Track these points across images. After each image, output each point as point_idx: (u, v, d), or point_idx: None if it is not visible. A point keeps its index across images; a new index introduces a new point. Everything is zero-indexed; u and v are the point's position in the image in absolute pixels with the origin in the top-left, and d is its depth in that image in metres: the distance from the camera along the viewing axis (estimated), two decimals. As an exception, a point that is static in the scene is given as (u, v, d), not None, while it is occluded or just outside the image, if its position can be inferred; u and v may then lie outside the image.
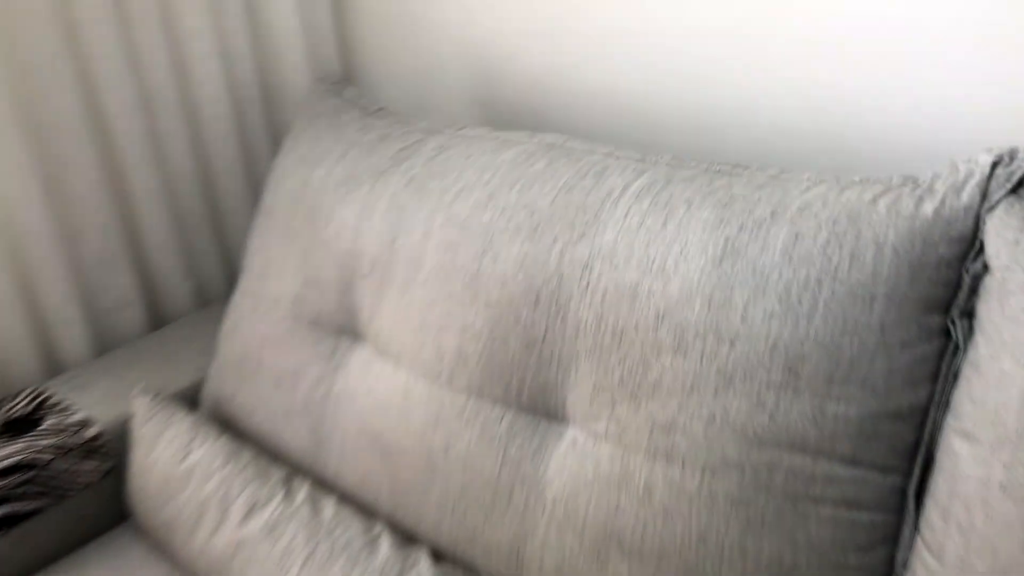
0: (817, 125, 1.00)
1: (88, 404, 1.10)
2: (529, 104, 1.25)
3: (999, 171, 0.71)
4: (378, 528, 0.92)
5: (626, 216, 0.82)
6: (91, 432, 1.05)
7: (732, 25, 1.01)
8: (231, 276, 1.38)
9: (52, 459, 1.01)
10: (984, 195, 0.71)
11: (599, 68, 1.15)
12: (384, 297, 0.96)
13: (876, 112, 0.95)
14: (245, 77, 1.32)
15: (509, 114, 1.29)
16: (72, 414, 1.07)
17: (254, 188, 1.37)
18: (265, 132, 1.36)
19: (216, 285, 1.36)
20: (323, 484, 0.99)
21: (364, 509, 0.96)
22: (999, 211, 0.70)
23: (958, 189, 0.72)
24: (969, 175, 0.72)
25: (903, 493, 0.73)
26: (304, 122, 1.12)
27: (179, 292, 1.31)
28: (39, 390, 1.12)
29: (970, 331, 0.71)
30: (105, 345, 1.25)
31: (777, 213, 0.76)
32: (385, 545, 0.89)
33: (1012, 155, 0.72)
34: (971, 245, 0.71)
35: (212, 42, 1.25)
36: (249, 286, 1.09)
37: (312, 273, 1.02)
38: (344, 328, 1.01)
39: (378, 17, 1.37)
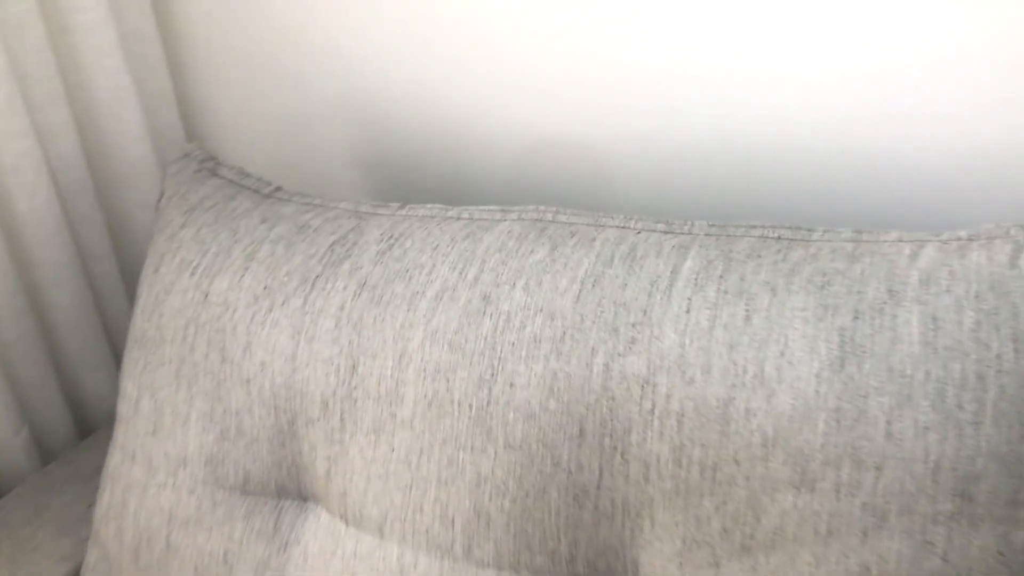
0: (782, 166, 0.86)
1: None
2: (426, 161, 1.04)
3: None
4: None
5: (688, 311, 0.63)
6: None
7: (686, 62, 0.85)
8: (79, 416, 1.07)
9: None
10: None
11: (527, 109, 0.96)
12: (349, 446, 0.71)
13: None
14: (69, 157, 1.02)
15: (399, 176, 1.07)
16: None
17: (96, 300, 1.07)
18: (102, 226, 1.06)
19: (60, 431, 1.04)
20: None
21: None
22: None
23: (1113, 240, 0.59)
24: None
25: (1105, 626, 0.59)
26: (176, 215, 0.85)
27: (10, 448, 0.99)
28: None
29: None
30: (-84, 543, 0.91)
31: (896, 292, 0.60)
32: None
33: None
34: None
35: (18, 118, 0.95)
36: (135, 445, 0.80)
37: (231, 422, 0.76)
38: (286, 491, 0.76)
39: (224, 70, 1.11)
